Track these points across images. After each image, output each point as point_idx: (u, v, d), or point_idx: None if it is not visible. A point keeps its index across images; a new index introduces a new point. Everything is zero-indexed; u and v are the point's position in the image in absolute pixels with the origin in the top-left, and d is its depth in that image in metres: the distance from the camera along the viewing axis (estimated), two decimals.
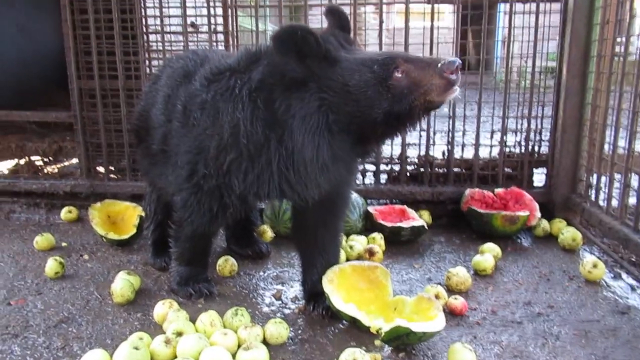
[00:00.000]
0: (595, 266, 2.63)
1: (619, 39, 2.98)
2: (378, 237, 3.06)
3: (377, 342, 2.09)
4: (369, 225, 3.29)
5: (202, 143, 2.17)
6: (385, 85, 1.91)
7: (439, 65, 1.88)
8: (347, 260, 2.78)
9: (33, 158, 4.03)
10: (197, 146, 2.19)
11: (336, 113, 1.96)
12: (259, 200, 2.26)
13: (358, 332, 2.17)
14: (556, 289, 2.59)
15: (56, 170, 3.99)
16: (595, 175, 3.19)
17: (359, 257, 2.85)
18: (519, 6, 3.41)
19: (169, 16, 3.58)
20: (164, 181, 2.47)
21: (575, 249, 3.04)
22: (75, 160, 4.09)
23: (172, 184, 2.38)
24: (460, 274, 2.56)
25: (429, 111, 2.03)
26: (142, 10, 3.57)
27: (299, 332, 2.21)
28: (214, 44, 3.53)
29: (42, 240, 3.09)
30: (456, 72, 1.90)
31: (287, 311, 2.39)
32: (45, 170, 4.04)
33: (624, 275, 2.71)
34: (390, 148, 3.61)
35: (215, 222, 2.31)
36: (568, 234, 3.06)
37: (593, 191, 3.20)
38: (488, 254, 2.80)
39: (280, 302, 2.48)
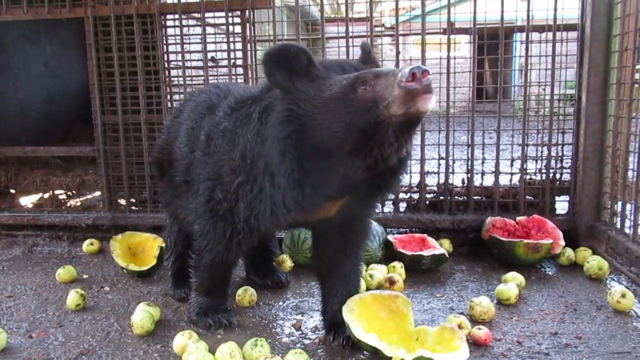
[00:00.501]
0: (624, 296, 2.55)
1: (638, 66, 2.97)
2: (398, 265, 3.03)
3: None
4: (389, 254, 3.25)
5: (220, 169, 2.20)
6: (349, 99, 1.86)
7: (398, 75, 1.76)
8: (367, 289, 2.74)
9: (57, 192, 4.11)
10: (215, 172, 2.22)
11: (302, 125, 1.93)
12: (258, 223, 2.14)
13: None
14: (584, 320, 2.51)
15: (79, 204, 4.06)
16: (619, 203, 3.13)
17: (379, 286, 2.82)
18: (535, 35, 3.44)
19: (190, 52, 3.68)
20: (186, 212, 2.50)
21: (601, 278, 2.96)
22: (97, 193, 4.16)
23: (192, 213, 2.40)
24: (484, 304, 2.50)
25: (404, 127, 1.84)
26: (164, 47, 3.67)
27: None
28: (234, 77, 3.61)
29: (64, 272, 3.12)
30: (418, 80, 1.72)
31: (307, 341, 2.36)
32: (69, 204, 4.11)
33: None
34: (409, 176, 3.60)
35: (231, 249, 2.29)
36: (594, 262, 2.98)
37: (618, 219, 3.14)
38: (512, 283, 2.74)
39: (300, 332, 2.45)
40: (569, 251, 3.20)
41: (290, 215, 2.04)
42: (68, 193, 4.17)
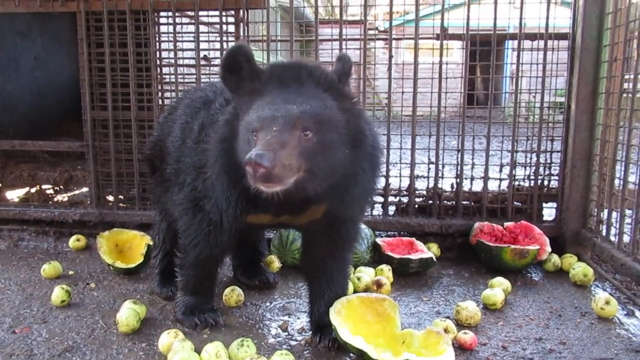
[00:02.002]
0: (607, 303, 2.58)
1: (627, 76, 3.01)
2: (386, 269, 3.04)
3: None
4: (377, 257, 3.26)
5: (204, 159, 2.20)
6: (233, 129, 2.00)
7: (251, 151, 1.71)
8: (355, 292, 2.75)
9: (44, 186, 4.07)
10: (200, 161, 2.22)
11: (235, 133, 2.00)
12: (216, 217, 2.16)
13: None
14: (568, 325, 2.53)
15: (66, 199, 4.02)
16: (606, 211, 3.17)
17: (367, 289, 2.82)
18: (527, 43, 3.47)
19: (183, 50, 3.66)
20: (173, 205, 2.49)
21: (586, 284, 2.99)
22: (85, 189, 4.12)
23: (177, 206, 2.40)
24: (470, 308, 2.52)
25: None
26: (157, 44, 3.65)
27: None
28: None
29: (49, 268, 3.09)
30: (255, 168, 1.67)
31: (293, 343, 2.36)
32: (56, 199, 4.07)
33: (637, 313, 2.65)
34: (399, 180, 3.61)
35: (212, 243, 2.29)
36: (579, 269, 3.01)
37: (604, 226, 3.17)
38: (498, 288, 2.76)
39: (286, 333, 2.45)
40: (555, 257, 3.23)
41: (231, 216, 2.07)
42: (55, 188, 4.13)
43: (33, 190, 4.05)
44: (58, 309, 2.67)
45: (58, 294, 2.69)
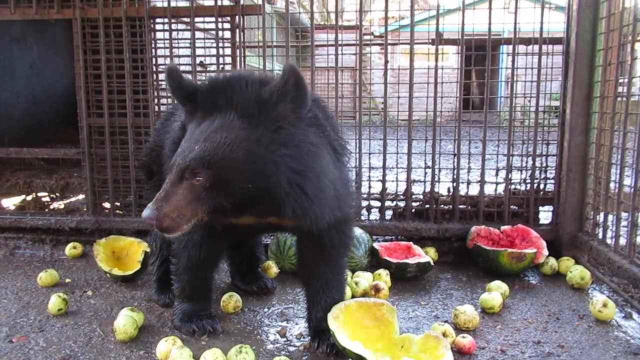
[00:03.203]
0: (605, 305, 2.58)
1: (621, 80, 3.03)
2: (384, 273, 3.04)
3: None
4: (374, 262, 3.26)
5: None
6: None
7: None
8: (353, 296, 2.75)
9: (40, 194, 4.05)
10: None
11: None
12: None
13: None
14: (566, 329, 2.54)
15: (62, 206, 4.01)
16: (602, 214, 3.18)
17: (365, 294, 2.82)
18: (521, 47, 3.49)
19: (179, 56, 3.67)
20: None
21: (584, 287, 3.00)
22: (81, 196, 4.11)
23: None
24: (468, 312, 2.52)
25: None
26: (153, 50, 3.66)
27: None
28: None
29: (46, 276, 3.08)
30: (149, 223, 1.92)
31: (292, 349, 2.35)
32: (52, 207, 4.05)
33: (635, 315, 2.66)
34: (396, 184, 3.62)
35: (204, 247, 2.31)
36: (576, 272, 3.02)
37: (600, 229, 3.19)
38: (496, 292, 2.77)
39: (285, 339, 2.44)
40: (552, 261, 3.23)
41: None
42: (51, 195, 4.12)
43: (29, 198, 4.04)
44: (55, 318, 2.66)
45: (55, 302, 2.68)
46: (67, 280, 3.18)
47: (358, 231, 3.23)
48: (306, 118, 1.98)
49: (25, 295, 2.95)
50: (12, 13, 3.60)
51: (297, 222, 2.05)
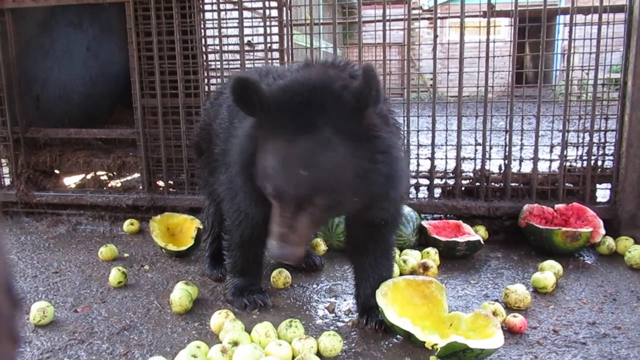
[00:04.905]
0: None
1: None
2: (432, 251, 3.02)
3: (432, 358, 2.05)
4: (423, 240, 3.25)
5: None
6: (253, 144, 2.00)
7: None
8: (401, 274, 2.75)
9: (98, 173, 4.24)
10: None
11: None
12: (252, 213, 2.26)
13: (412, 347, 2.14)
14: (623, 310, 2.46)
15: (119, 185, 4.18)
16: None
17: (413, 272, 2.82)
18: (579, 17, 3.33)
19: (227, 36, 3.71)
20: (220, 186, 2.54)
21: None
22: (137, 175, 4.27)
23: (222, 185, 2.46)
24: (519, 291, 2.48)
25: None
26: (202, 31, 3.71)
27: (353, 345, 2.20)
28: (270, 62, 3.63)
29: (106, 251, 3.23)
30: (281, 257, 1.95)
31: (340, 324, 2.39)
32: (110, 185, 4.23)
33: None
34: (445, 162, 3.56)
35: (257, 225, 2.32)
36: (635, 252, 2.91)
37: None
38: (548, 272, 2.70)
39: (333, 314, 2.48)
40: (609, 240, 3.12)
41: (254, 211, 2.14)
42: (109, 174, 4.30)
43: (89, 176, 4.23)
44: (115, 290, 2.80)
45: (115, 275, 2.82)
46: (126, 254, 3.33)
47: (406, 209, 3.21)
48: (384, 117, 1.97)
49: (88, 269, 3.11)
50: None
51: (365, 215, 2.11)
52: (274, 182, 1.85)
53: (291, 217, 1.84)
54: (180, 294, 2.49)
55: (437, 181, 3.57)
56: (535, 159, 3.43)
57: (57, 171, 4.26)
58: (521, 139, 3.48)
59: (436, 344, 1.99)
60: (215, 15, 3.62)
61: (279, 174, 1.84)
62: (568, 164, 3.46)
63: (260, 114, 1.87)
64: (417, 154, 3.62)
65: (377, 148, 1.85)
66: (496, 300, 2.53)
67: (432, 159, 3.54)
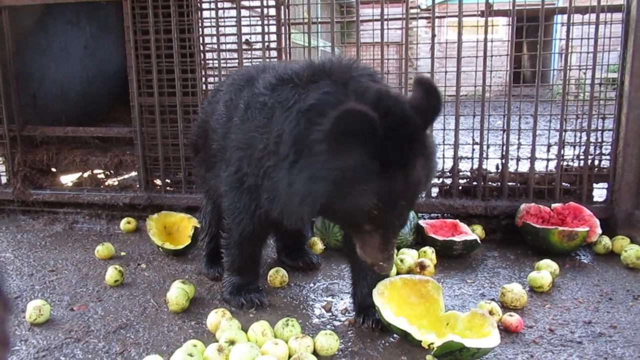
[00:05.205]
0: None
1: None
2: (429, 251, 3.02)
3: (429, 357, 2.05)
4: (420, 239, 3.25)
5: (252, 139, 2.20)
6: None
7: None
8: (398, 273, 2.75)
9: (96, 171, 4.23)
10: (246, 141, 2.22)
11: None
12: (271, 211, 2.15)
13: (409, 347, 2.14)
14: (619, 309, 2.46)
15: (116, 183, 4.18)
16: None
17: (410, 271, 2.82)
18: (577, 17, 3.33)
19: (225, 34, 3.70)
20: (218, 182, 2.52)
21: (639, 267, 2.89)
22: (134, 174, 4.26)
23: (222, 182, 2.43)
24: (516, 290, 2.48)
25: None
26: (200, 30, 3.71)
27: (349, 344, 2.20)
28: (268, 60, 3.62)
29: (102, 249, 3.23)
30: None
31: (337, 323, 2.39)
32: (107, 183, 4.23)
33: None
34: (442, 161, 3.57)
35: (257, 222, 2.32)
36: (632, 251, 2.92)
37: None
38: (545, 271, 2.71)
39: (330, 314, 2.48)
40: (605, 239, 3.13)
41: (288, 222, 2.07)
42: (106, 172, 4.29)
43: (86, 174, 4.22)
44: (112, 288, 2.79)
45: (112, 274, 2.81)
46: (122, 253, 3.32)
47: None
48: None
49: (84, 267, 3.10)
50: None
51: None
52: (387, 216, 1.88)
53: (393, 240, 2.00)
54: (177, 293, 2.49)
55: (434, 180, 3.57)
56: (533, 158, 3.43)
57: (53, 169, 4.25)
58: (518, 138, 3.48)
59: (432, 343, 1.99)
60: (213, 13, 3.61)
61: (392, 207, 1.87)
62: (565, 163, 3.47)
63: (369, 147, 1.75)
64: None
65: (431, 163, 1.96)
66: (492, 300, 2.53)
67: None
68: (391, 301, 2.26)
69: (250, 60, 3.78)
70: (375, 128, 1.70)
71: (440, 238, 3.12)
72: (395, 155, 1.78)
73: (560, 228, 3.05)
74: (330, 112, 1.76)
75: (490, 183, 3.52)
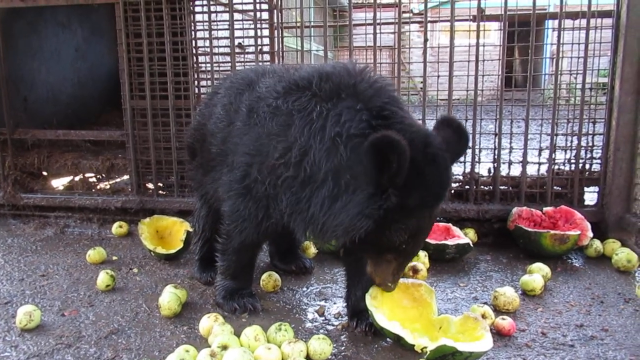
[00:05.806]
0: None
1: None
2: (422, 254, 3.03)
3: None
4: None
5: (262, 146, 2.15)
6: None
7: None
8: None
9: (87, 175, 4.20)
10: (255, 148, 2.18)
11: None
12: (288, 225, 2.18)
13: (402, 351, 2.14)
14: (611, 312, 2.48)
15: (108, 187, 4.15)
16: None
17: (403, 275, 2.81)
18: (568, 22, 3.36)
19: (218, 38, 3.70)
20: (217, 186, 2.49)
21: (630, 270, 2.92)
22: (126, 177, 4.24)
23: (224, 187, 2.39)
24: (508, 294, 2.49)
25: None
26: (193, 33, 3.70)
27: (342, 348, 2.20)
28: (260, 64, 3.62)
29: (94, 253, 3.20)
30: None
31: (330, 327, 2.39)
32: (98, 187, 4.20)
33: None
34: None
35: (262, 231, 2.31)
36: (623, 254, 2.94)
37: None
38: (537, 274, 2.72)
39: (323, 318, 2.48)
40: (597, 243, 3.15)
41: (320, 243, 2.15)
42: (98, 176, 4.26)
43: (77, 178, 4.19)
44: (103, 293, 2.77)
45: (103, 278, 2.79)
46: (114, 257, 3.30)
47: None
48: None
49: (75, 272, 3.08)
50: None
51: None
52: (411, 248, 2.06)
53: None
54: (169, 298, 2.47)
55: None
56: (524, 162, 3.45)
57: (45, 173, 4.22)
58: (510, 142, 3.50)
59: (425, 347, 1.99)
60: (206, 17, 3.61)
61: (418, 242, 2.08)
62: (556, 167, 3.49)
63: (410, 189, 1.85)
64: None
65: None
66: (485, 303, 2.53)
67: None
68: (384, 305, 2.26)
69: (243, 64, 3.77)
70: (424, 176, 1.85)
71: (432, 242, 3.12)
72: (427, 195, 1.92)
73: (552, 231, 3.07)
74: (374, 148, 1.75)
75: (482, 187, 3.54)
